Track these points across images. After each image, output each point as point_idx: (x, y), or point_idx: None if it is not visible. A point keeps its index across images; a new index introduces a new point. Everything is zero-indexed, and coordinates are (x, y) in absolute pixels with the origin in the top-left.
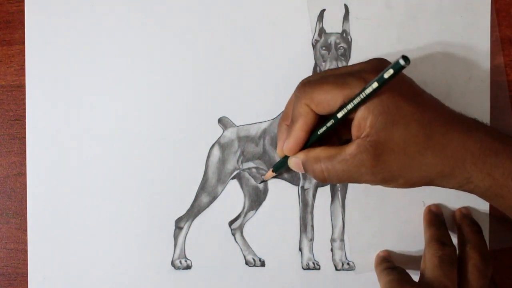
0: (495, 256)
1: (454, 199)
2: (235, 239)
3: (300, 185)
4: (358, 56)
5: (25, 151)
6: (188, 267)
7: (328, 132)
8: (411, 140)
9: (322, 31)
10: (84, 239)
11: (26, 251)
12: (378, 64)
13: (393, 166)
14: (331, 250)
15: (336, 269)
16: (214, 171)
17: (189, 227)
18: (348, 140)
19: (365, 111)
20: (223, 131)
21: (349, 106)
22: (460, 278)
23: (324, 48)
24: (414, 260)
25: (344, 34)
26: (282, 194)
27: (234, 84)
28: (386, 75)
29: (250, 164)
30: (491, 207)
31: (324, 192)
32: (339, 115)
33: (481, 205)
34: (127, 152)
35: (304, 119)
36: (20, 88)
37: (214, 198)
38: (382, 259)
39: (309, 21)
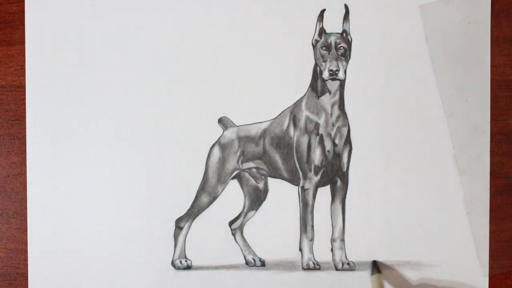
0: (496, 280)
1: (450, 208)
2: (235, 239)
3: (300, 185)
4: (358, 56)
5: (25, 151)
6: (188, 267)
7: None
8: None
9: (322, 31)
10: (84, 239)
11: (26, 251)
12: None
13: None
14: (331, 250)
15: (336, 269)
16: (214, 171)
17: (189, 227)
18: None
19: None
20: (223, 131)
21: None
22: None
23: (324, 48)
24: (413, 259)
25: (344, 34)
26: (282, 194)
27: (234, 84)
28: None
29: (250, 164)
30: (491, 232)
31: (324, 192)
32: None
33: (481, 229)
34: (127, 152)
35: None
36: (20, 88)
37: (214, 198)
38: None
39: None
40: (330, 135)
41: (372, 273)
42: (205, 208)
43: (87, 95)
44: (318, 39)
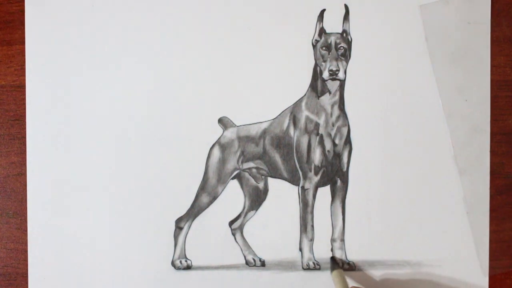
0: (495, 280)
1: (450, 208)
2: (235, 239)
3: (300, 185)
4: (358, 56)
5: (25, 151)
6: (188, 267)
7: None
8: None
9: (322, 31)
10: (84, 239)
11: (26, 251)
12: None
13: None
14: (331, 250)
15: None
16: (214, 171)
17: (189, 227)
18: None
19: None
20: (223, 131)
21: None
22: None
23: (324, 48)
24: (413, 259)
25: (344, 34)
26: (282, 194)
27: (234, 84)
28: None
29: (250, 164)
30: (491, 232)
31: (324, 192)
32: None
33: (481, 229)
34: (127, 152)
35: None
36: (20, 88)
37: (214, 198)
38: None
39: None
40: (330, 135)
41: (333, 270)
42: (205, 208)
43: (87, 95)
44: (318, 39)
